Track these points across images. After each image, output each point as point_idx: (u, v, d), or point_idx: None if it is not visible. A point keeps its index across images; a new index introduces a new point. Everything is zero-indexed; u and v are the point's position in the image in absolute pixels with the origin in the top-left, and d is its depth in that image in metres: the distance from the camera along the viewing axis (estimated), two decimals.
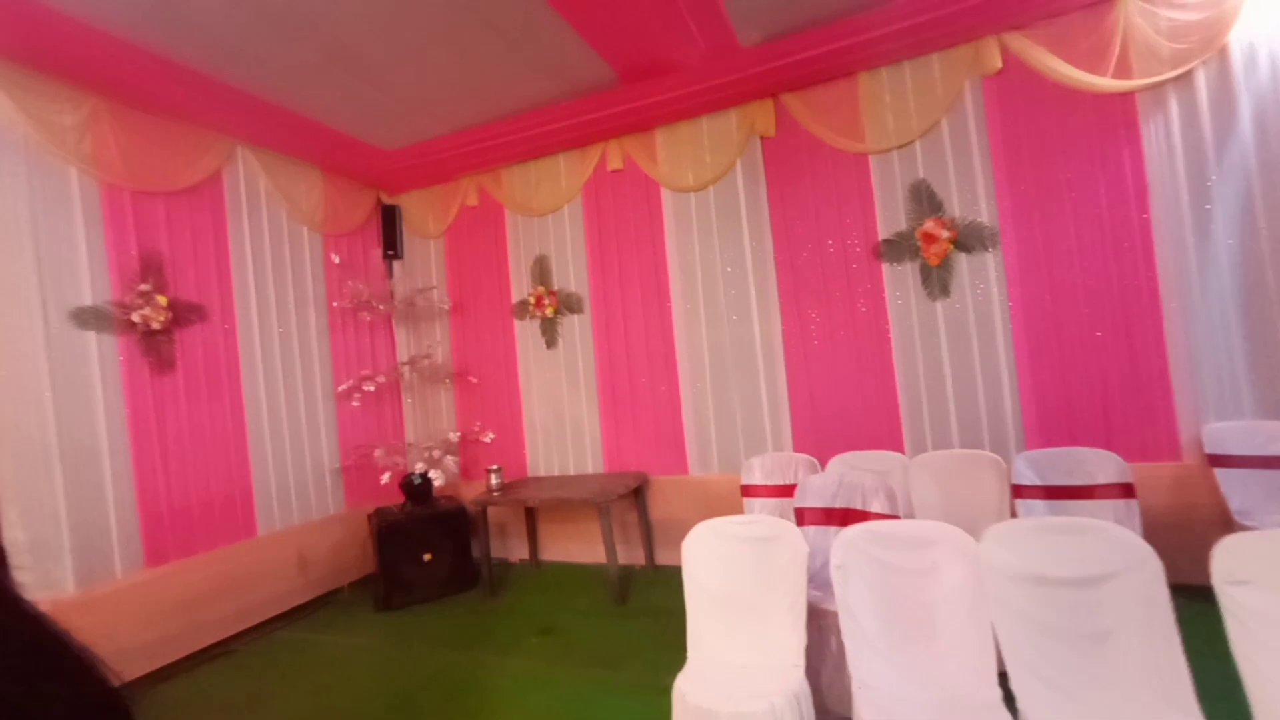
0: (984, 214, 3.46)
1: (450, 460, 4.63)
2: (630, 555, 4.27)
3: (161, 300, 3.42)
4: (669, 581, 3.89)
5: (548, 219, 4.69)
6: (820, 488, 2.76)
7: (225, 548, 3.66)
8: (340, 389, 4.52)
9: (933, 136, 3.57)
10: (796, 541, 2.14)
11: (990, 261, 3.46)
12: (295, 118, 3.80)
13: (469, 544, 4.31)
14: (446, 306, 5.01)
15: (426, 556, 4.11)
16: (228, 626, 3.58)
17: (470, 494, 4.50)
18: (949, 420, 3.55)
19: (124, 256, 3.34)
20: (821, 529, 2.70)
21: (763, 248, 4.01)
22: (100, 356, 3.19)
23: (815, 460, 3.45)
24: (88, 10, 2.69)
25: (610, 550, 3.73)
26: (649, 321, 4.35)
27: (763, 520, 2.28)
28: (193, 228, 3.70)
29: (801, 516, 2.75)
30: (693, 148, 4.17)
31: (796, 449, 3.88)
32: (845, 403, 3.81)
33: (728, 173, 4.09)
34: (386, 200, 5.11)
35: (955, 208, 3.52)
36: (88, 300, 3.16)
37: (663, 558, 4.22)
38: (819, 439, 3.84)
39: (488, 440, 4.76)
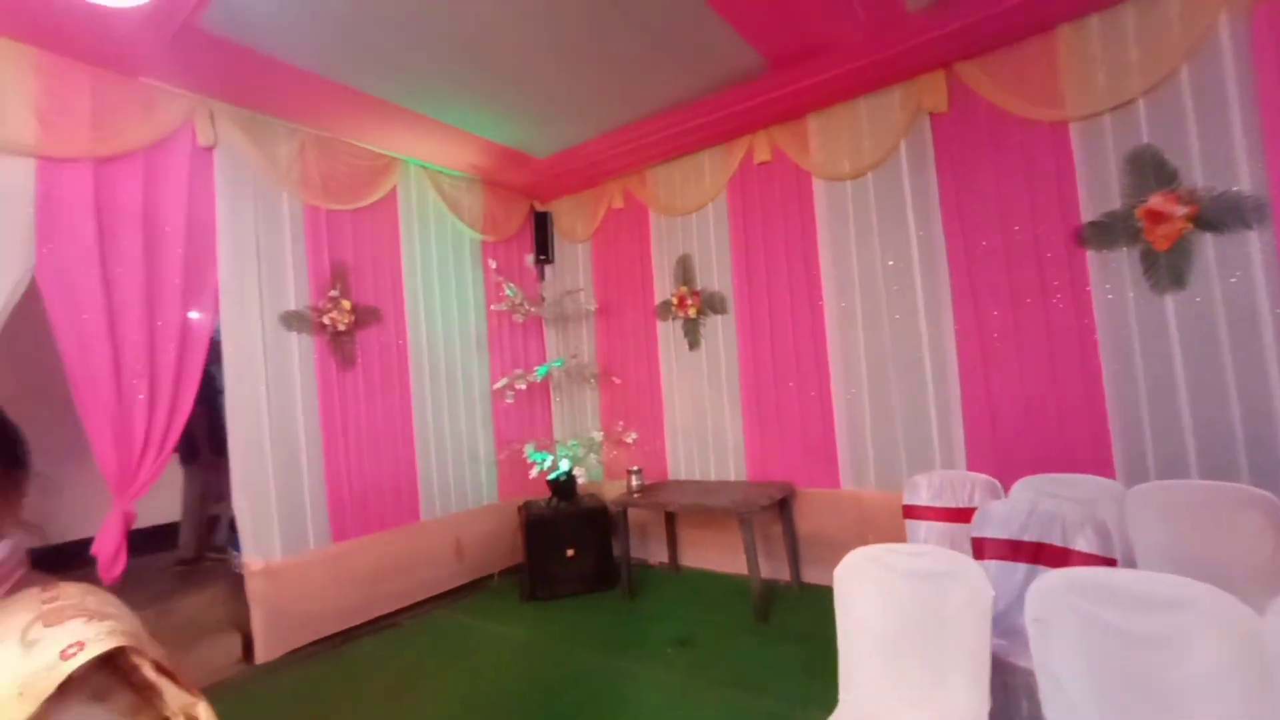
0: (1243, 182, 2.72)
1: (594, 459, 4.70)
2: (774, 570, 4.02)
3: (346, 304, 3.84)
4: (817, 603, 3.57)
5: (691, 218, 4.58)
6: (1006, 515, 2.33)
7: (394, 530, 4.01)
8: (496, 387, 4.79)
9: (1165, 90, 2.89)
10: (977, 580, 1.79)
11: (1254, 242, 2.70)
12: (459, 134, 4.08)
13: (610, 543, 4.33)
14: (592, 308, 5.11)
15: (569, 552, 4.19)
16: (395, 602, 3.93)
17: (612, 493, 4.53)
18: (1183, 442, 2.86)
19: (319, 266, 3.79)
20: (1006, 565, 2.28)
21: (931, 238, 3.55)
22: (300, 355, 3.65)
23: (996, 482, 2.95)
24: (298, 56, 3.06)
25: (752, 563, 3.52)
26: (798, 322, 4.06)
27: (933, 552, 1.95)
28: (372, 240, 4.12)
29: (981, 548, 2.34)
30: (850, 132, 3.81)
31: (970, 467, 3.37)
32: (1034, 416, 3.23)
33: (889, 156, 3.68)
34: (539, 208, 5.34)
35: (1197, 177, 2.82)
36: (291, 305, 3.63)
37: (810, 575, 3.91)
38: (999, 457, 3.30)
39: (630, 441, 4.76)
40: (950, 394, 3.49)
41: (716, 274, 4.45)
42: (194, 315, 3.27)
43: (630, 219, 4.92)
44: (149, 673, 0.60)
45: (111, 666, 0.58)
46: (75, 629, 0.57)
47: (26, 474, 0.71)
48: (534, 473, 4.48)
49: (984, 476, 2.99)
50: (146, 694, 0.60)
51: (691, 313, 4.52)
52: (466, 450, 4.58)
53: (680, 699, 2.71)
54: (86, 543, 2.83)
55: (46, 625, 0.57)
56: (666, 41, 3.24)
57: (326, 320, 3.73)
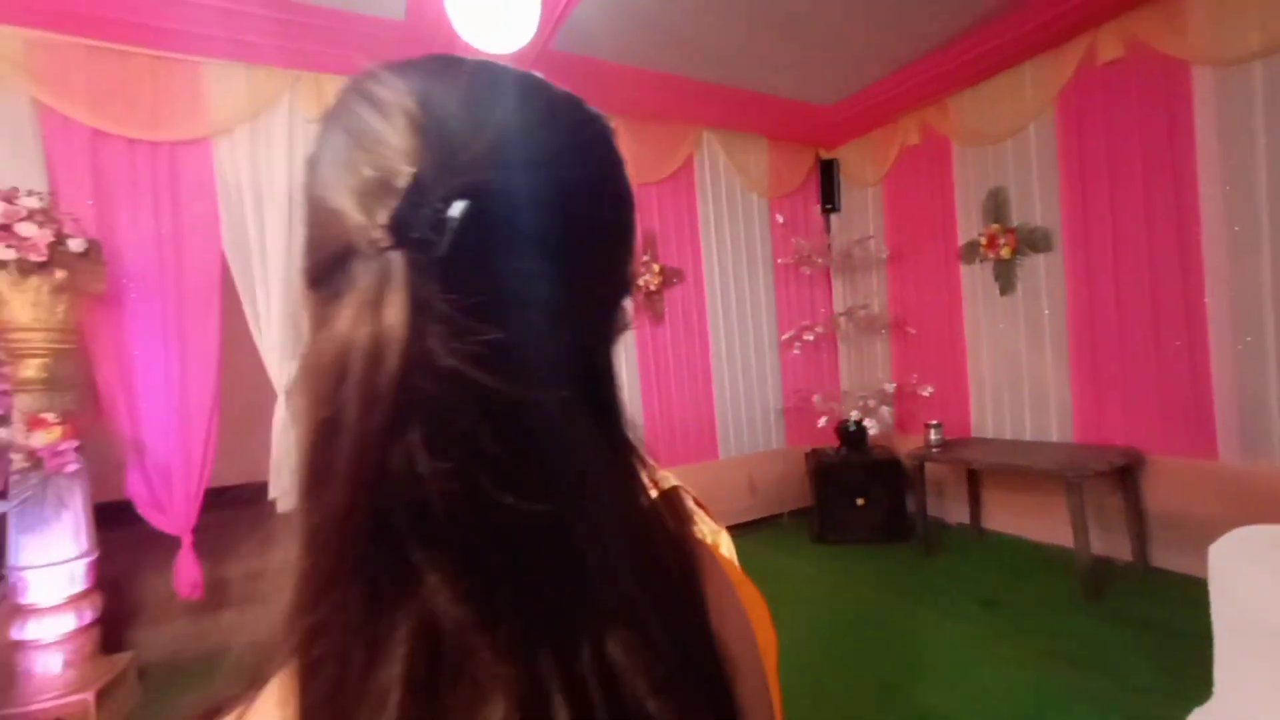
0: None
1: (885, 411, 4.60)
2: (1107, 546, 3.47)
3: (656, 267, 4.41)
4: (1170, 591, 3.06)
5: (1005, 146, 4.01)
6: None
7: (696, 464, 4.58)
8: (784, 338, 4.99)
9: None
10: None
11: None
12: (745, 95, 4.25)
13: (903, 497, 4.25)
14: (884, 256, 4.89)
15: (860, 501, 4.25)
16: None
17: (905, 447, 4.40)
18: None
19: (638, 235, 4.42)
20: None
21: None
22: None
23: None
24: (618, 54, 3.58)
25: (1080, 534, 3.12)
26: (1158, 256, 3.31)
27: None
28: (674, 207, 4.61)
29: None
30: None
31: None
32: None
33: None
34: (825, 155, 5.25)
35: None
36: None
37: (1162, 559, 3.29)
38: None
39: (925, 394, 4.52)
40: None
41: (1039, 207, 3.85)
42: None
43: (928, 155, 4.52)
44: (690, 503, 0.97)
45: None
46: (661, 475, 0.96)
47: None
48: (822, 421, 4.59)
49: None
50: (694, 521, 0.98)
51: (1004, 253, 4.01)
52: (757, 398, 4.92)
53: (989, 658, 2.63)
54: None
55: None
56: None
57: (641, 282, 4.36)
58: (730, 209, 4.85)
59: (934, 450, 3.99)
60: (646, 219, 4.47)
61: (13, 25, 2.77)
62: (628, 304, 0.39)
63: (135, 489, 3.01)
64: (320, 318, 0.30)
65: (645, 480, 0.37)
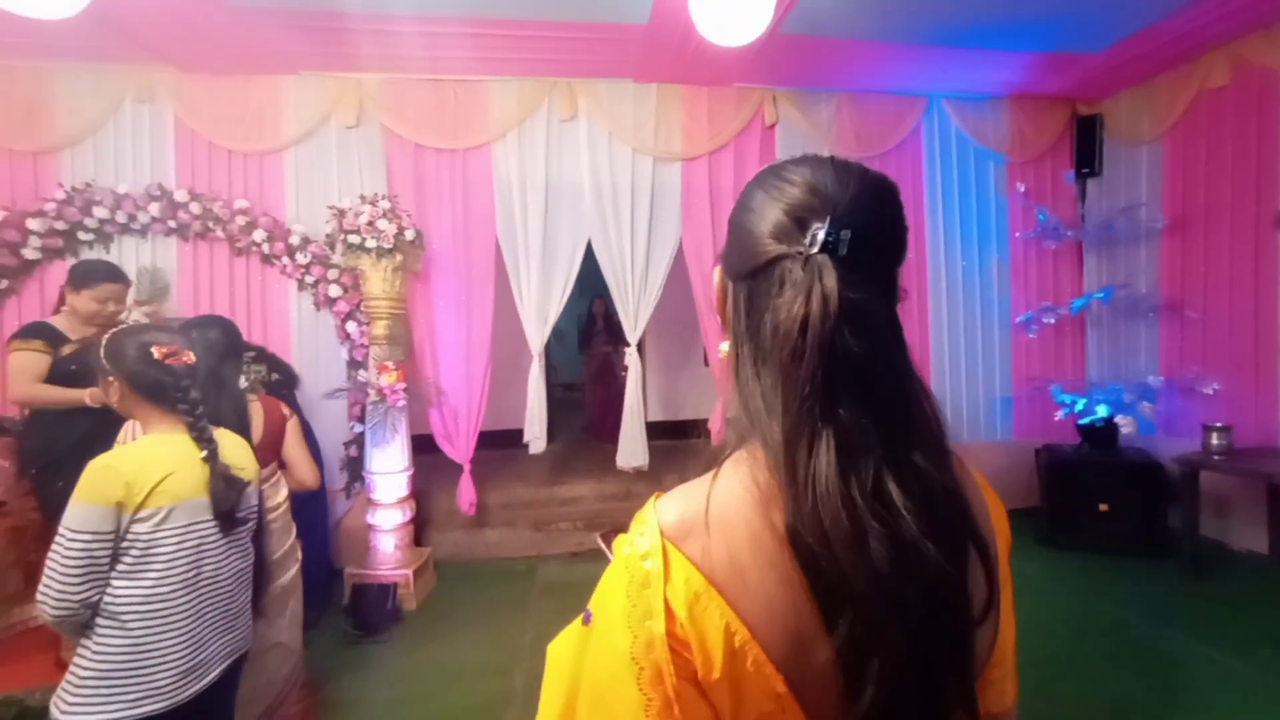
0: None
1: (1146, 407, 3.97)
2: None
3: None
4: None
5: None
6: None
7: None
8: (1017, 320, 4.53)
9: None
10: None
11: None
12: (984, 54, 3.87)
13: (1162, 508, 3.68)
14: (1159, 226, 4.15)
15: (1103, 507, 3.77)
16: None
17: (1170, 451, 3.77)
18: None
19: None
20: None
21: None
22: None
23: None
24: (845, 29, 3.53)
25: None
26: None
27: None
28: (896, 178, 4.35)
29: None
30: None
31: None
32: None
33: None
34: (1084, 111, 4.56)
35: None
36: None
37: None
38: None
39: (1209, 391, 3.80)
40: None
41: None
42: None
43: (1239, 98, 3.70)
44: None
45: None
46: None
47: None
48: (1061, 414, 4.12)
49: None
50: None
51: None
52: (982, 383, 4.55)
53: (1275, 706, 2.27)
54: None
55: None
56: None
57: None
58: (961, 178, 4.50)
59: (1216, 458, 3.38)
60: None
61: (373, 72, 3.67)
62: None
63: (435, 424, 3.88)
64: (758, 296, 0.55)
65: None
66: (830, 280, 0.49)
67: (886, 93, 4.31)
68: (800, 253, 0.51)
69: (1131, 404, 3.95)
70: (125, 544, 1.24)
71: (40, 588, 1.19)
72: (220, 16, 3.04)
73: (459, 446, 3.91)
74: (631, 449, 4.19)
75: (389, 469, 3.44)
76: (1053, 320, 4.41)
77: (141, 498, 1.24)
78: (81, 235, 3.44)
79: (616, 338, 5.53)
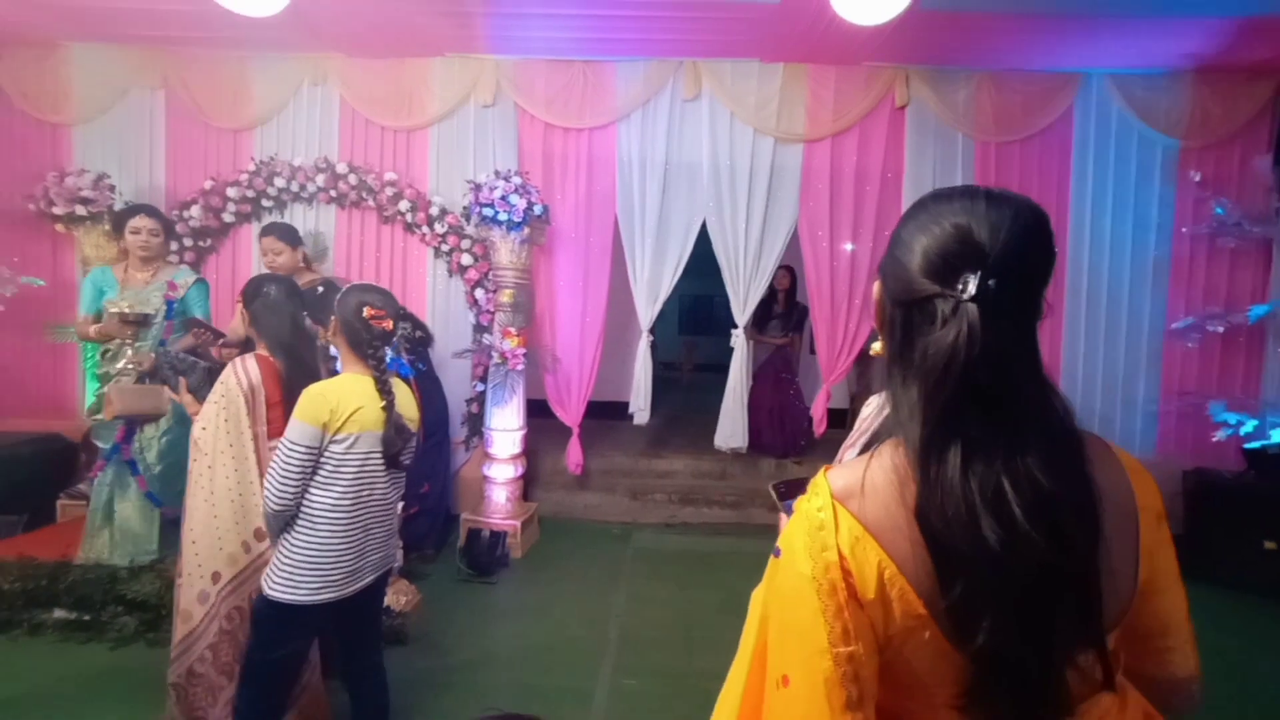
0: None
1: None
2: None
3: None
4: None
5: None
6: None
7: None
8: (1174, 326, 4.05)
9: None
10: None
11: None
12: (1159, 23, 3.43)
13: None
14: None
15: (1269, 545, 3.34)
16: None
17: None
18: None
19: None
20: None
21: None
22: None
23: None
24: (987, 1, 3.30)
25: None
26: None
27: None
28: (1039, 165, 4.06)
29: None
30: None
31: None
32: None
33: None
34: None
35: None
36: None
37: None
38: None
39: None
40: None
41: None
42: (848, 247, 4.13)
43: None
44: None
45: None
46: None
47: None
48: (1220, 435, 3.67)
49: None
50: None
51: None
52: (1121, 392, 4.13)
53: None
54: None
55: None
56: None
57: None
58: (1118, 165, 4.06)
59: None
60: (1003, 181, 4.06)
61: (509, 54, 3.91)
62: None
63: (549, 389, 4.15)
64: (911, 325, 0.63)
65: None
66: (976, 325, 0.57)
67: (1035, 70, 3.96)
68: (951, 296, 0.59)
69: None
70: (323, 459, 1.51)
71: (265, 487, 1.50)
72: (383, 3, 3.36)
73: (570, 410, 4.15)
74: (731, 429, 4.25)
75: (505, 426, 3.74)
76: (1220, 328, 3.90)
77: (340, 423, 1.51)
78: (264, 202, 3.98)
79: (798, 322, 4.67)
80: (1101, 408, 4.13)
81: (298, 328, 1.86)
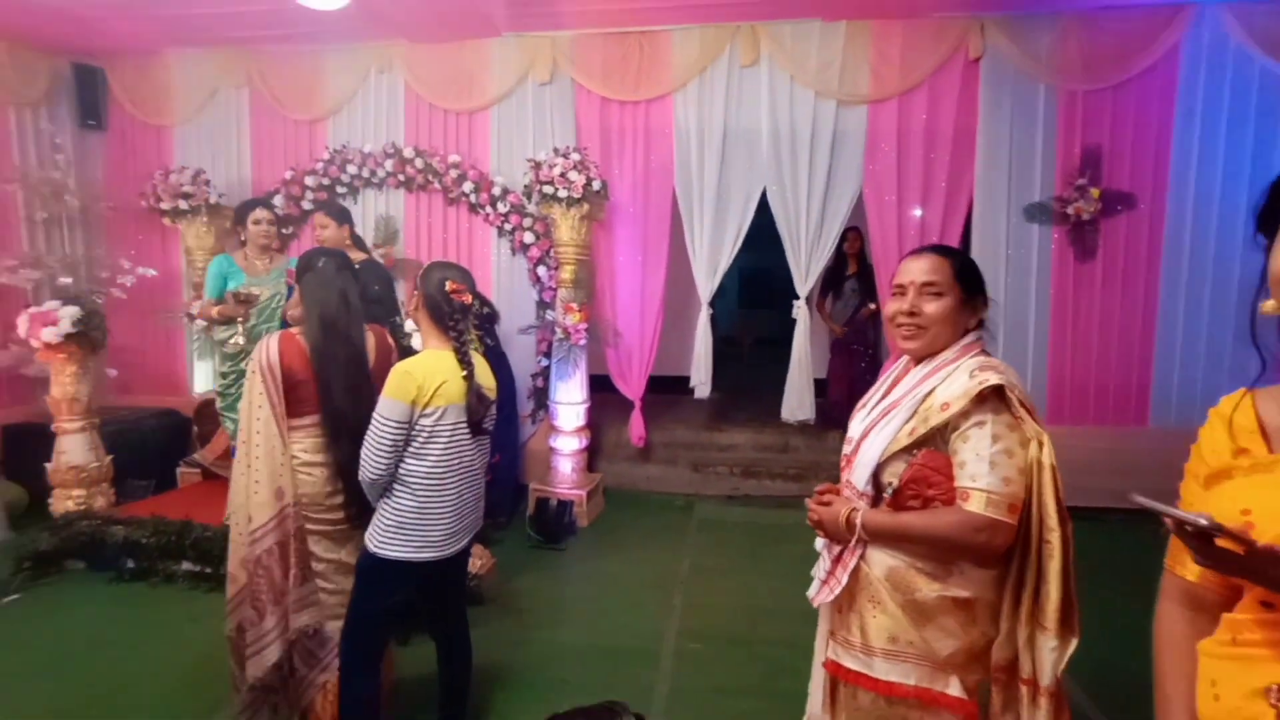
0: None
1: None
2: None
3: (1094, 193, 3.71)
4: None
5: None
6: None
7: (1114, 427, 3.89)
8: None
9: None
10: None
11: None
12: None
13: None
14: None
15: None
16: (1103, 499, 3.83)
17: None
18: None
19: (1068, 155, 3.78)
20: None
21: None
22: (1039, 246, 3.86)
23: None
24: None
25: None
26: None
27: None
28: (1136, 115, 3.72)
29: None
30: None
31: None
32: None
33: None
34: None
35: None
36: (1036, 197, 3.83)
37: None
38: None
39: None
40: None
41: None
42: (917, 212, 3.95)
43: None
44: (1017, 405, 1.10)
45: (1001, 395, 1.13)
46: (987, 376, 1.13)
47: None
48: None
49: None
50: (1018, 419, 1.13)
51: None
52: (1225, 362, 3.81)
53: None
54: None
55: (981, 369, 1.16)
56: None
57: (1070, 210, 3.75)
58: (1235, 108, 3.66)
59: None
60: (1090, 133, 3.76)
61: (564, 29, 3.91)
62: None
63: (611, 363, 4.23)
64: None
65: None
66: None
67: (1131, 5, 3.60)
68: None
69: None
70: (415, 431, 1.63)
71: (361, 458, 1.62)
72: None
73: (631, 384, 4.23)
74: (798, 401, 4.21)
75: (570, 400, 3.85)
76: None
77: (427, 398, 1.61)
78: (338, 189, 4.20)
79: (872, 289, 4.32)
80: (1205, 380, 3.82)
81: (346, 302, 1.84)
